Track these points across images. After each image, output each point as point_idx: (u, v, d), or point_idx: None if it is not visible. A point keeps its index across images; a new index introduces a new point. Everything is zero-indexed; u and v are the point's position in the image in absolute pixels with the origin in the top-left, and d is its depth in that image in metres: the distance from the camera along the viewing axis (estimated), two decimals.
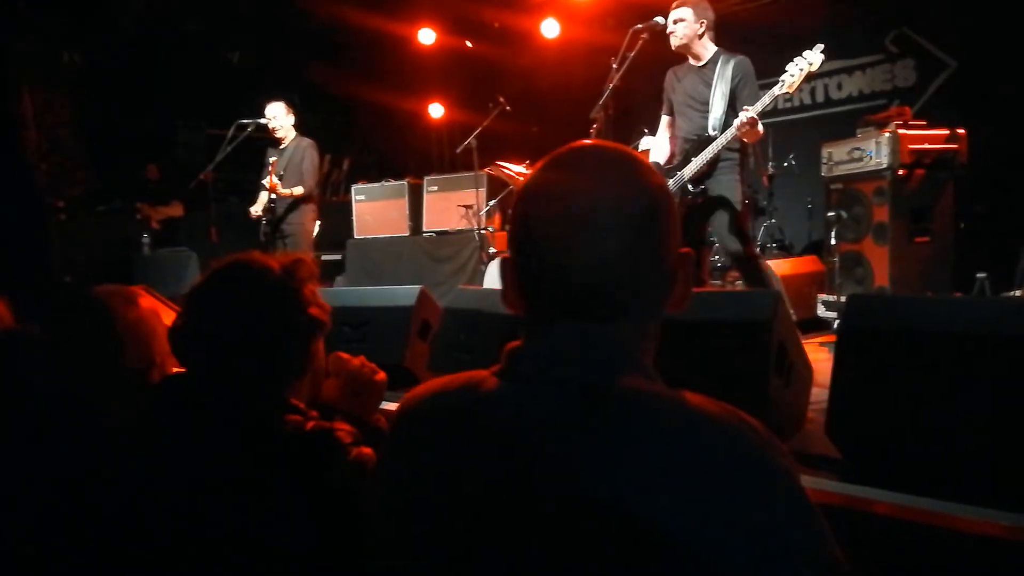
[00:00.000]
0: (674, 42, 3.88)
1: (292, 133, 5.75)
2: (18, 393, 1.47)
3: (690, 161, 3.81)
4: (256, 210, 5.68)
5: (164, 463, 1.18)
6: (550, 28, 7.87)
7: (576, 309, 0.83)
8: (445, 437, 0.85)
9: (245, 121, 5.88)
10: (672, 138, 4.11)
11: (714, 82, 3.77)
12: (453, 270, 7.27)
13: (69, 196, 7.54)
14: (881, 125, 4.95)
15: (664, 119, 4.19)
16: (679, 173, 3.84)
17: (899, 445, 1.94)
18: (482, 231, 6.97)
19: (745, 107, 3.59)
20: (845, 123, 5.82)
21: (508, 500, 0.79)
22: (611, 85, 4.25)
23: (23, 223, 6.94)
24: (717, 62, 3.80)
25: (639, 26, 4.12)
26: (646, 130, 6.57)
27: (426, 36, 8.45)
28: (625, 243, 0.82)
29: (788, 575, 0.72)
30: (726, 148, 3.72)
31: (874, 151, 4.82)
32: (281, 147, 5.74)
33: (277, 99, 5.74)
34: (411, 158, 8.63)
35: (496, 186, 7.09)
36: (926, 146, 4.76)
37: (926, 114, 5.49)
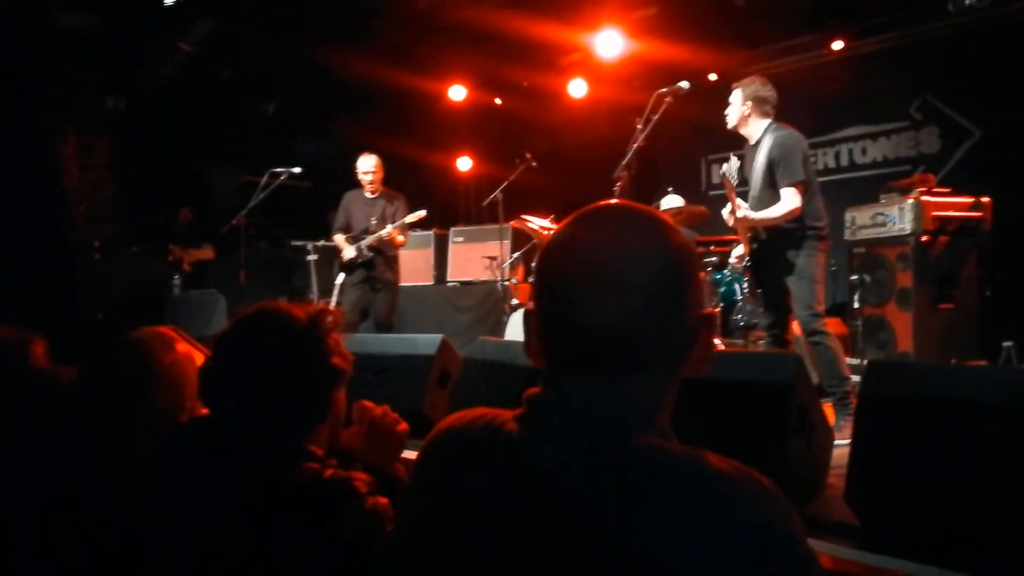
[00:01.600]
0: (728, 125, 3.97)
1: (382, 186, 5.97)
2: (43, 434, 1.51)
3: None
4: (349, 254, 5.85)
5: (182, 503, 1.20)
6: (577, 88, 8.04)
7: (595, 363, 0.84)
8: (465, 472, 0.88)
9: (278, 170, 6.04)
10: None
11: (756, 159, 3.83)
12: (475, 320, 7.31)
13: (104, 236, 7.72)
14: (905, 191, 4.98)
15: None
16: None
17: (918, 513, 1.91)
18: (505, 283, 7.02)
19: (741, 205, 3.72)
20: (869, 188, 5.84)
21: (518, 544, 0.81)
22: (635, 145, 4.31)
23: (59, 262, 7.12)
24: (763, 140, 3.83)
25: (664, 89, 4.20)
26: (670, 188, 6.64)
27: (456, 93, 8.65)
28: (647, 301, 0.83)
29: None
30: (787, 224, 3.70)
31: (897, 217, 4.84)
32: (372, 197, 5.94)
33: (369, 152, 5.97)
34: (438, 209, 8.76)
35: (520, 239, 7.17)
36: (950, 213, 4.77)
37: (951, 181, 5.51)
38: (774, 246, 3.77)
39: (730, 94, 3.93)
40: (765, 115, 3.86)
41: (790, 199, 3.62)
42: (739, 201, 3.76)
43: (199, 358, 1.51)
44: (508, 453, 0.86)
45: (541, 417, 0.87)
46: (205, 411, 1.32)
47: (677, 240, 0.88)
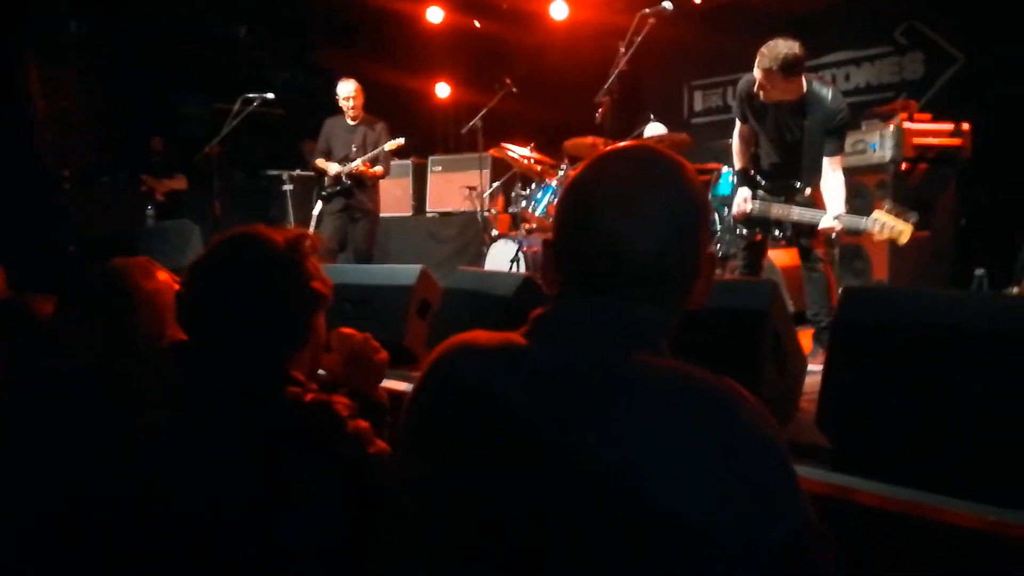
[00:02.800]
0: (764, 98, 3.54)
1: (363, 112, 5.83)
2: (23, 363, 1.51)
3: (774, 203, 3.68)
4: (335, 169, 5.75)
5: (164, 430, 1.21)
6: (559, 10, 7.82)
7: (616, 289, 0.91)
8: (475, 386, 0.93)
9: (251, 96, 5.88)
10: (749, 148, 3.86)
11: (809, 118, 3.50)
12: (455, 251, 7.29)
13: (75, 167, 7.55)
14: (886, 118, 4.95)
15: (739, 126, 3.86)
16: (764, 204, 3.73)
17: (887, 437, 1.96)
18: (485, 213, 6.98)
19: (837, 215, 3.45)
20: (851, 115, 5.81)
21: (520, 450, 0.86)
22: (617, 69, 4.23)
23: (30, 193, 6.97)
24: (810, 96, 3.48)
25: (647, 10, 4.09)
26: (652, 116, 6.56)
27: (434, 15, 8.42)
28: (671, 235, 0.92)
29: (766, 530, 0.78)
30: None
31: (878, 144, 4.83)
32: (352, 124, 5.82)
33: (348, 77, 5.82)
34: (416, 137, 8.62)
35: (500, 168, 7.09)
36: (930, 140, 4.77)
37: (933, 108, 5.48)
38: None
39: (757, 62, 3.42)
40: (801, 72, 3.48)
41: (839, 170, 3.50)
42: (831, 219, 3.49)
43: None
44: (517, 362, 0.91)
45: (550, 330, 0.93)
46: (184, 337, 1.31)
47: (695, 182, 0.97)
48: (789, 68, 3.35)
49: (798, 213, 3.58)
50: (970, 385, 1.81)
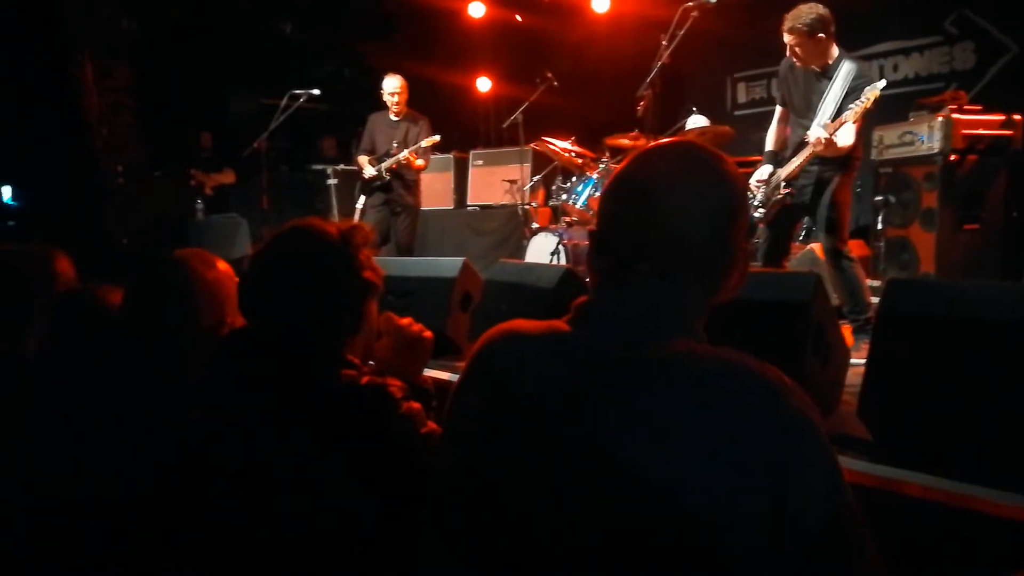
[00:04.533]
0: (805, 63, 3.63)
1: (406, 108, 5.93)
2: (87, 348, 1.58)
3: (789, 162, 3.73)
4: (369, 172, 5.86)
5: (225, 412, 1.27)
6: (600, 3, 7.80)
7: (654, 278, 0.95)
8: (521, 372, 0.97)
9: (298, 92, 5.99)
10: (784, 132, 3.94)
11: (831, 88, 3.57)
12: (495, 243, 7.33)
13: (127, 161, 7.75)
14: (935, 109, 4.86)
15: (779, 110, 3.97)
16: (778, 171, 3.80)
17: (930, 429, 1.95)
18: (525, 206, 7.01)
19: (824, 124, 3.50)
20: (899, 106, 5.70)
21: (563, 434, 0.89)
22: (660, 62, 4.23)
23: (83, 185, 7.18)
24: (839, 68, 3.56)
25: (690, 3, 4.08)
26: (694, 108, 6.52)
27: (476, 9, 8.45)
28: (710, 225, 0.97)
29: (808, 513, 0.80)
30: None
31: (926, 136, 4.74)
32: (395, 120, 5.91)
33: (394, 73, 5.91)
34: (458, 132, 8.68)
35: (541, 161, 7.11)
36: (980, 131, 4.67)
37: (984, 98, 5.35)
38: (819, 175, 3.68)
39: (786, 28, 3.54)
40: (834, 40, 3.59)
41: (852, 134, 3.50)
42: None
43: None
44: (561, 349, 0.96)
45: (591, 317, 0.97)
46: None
47: (734, 173, 1.02)
48: (813, 27, 3.45)
49: (798, 157, 3.62)
50: (1016, 378, 1.79)
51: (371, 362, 1.46)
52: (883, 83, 3.42)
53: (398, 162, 5.75)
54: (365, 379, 1.26)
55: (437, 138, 5.81)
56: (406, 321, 1.58)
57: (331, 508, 1.19)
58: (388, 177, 5.84)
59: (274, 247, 1.35)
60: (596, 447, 0.86)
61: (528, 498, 0.90)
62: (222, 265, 1.60)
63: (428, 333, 1.61)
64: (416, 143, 5.81)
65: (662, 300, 0.95)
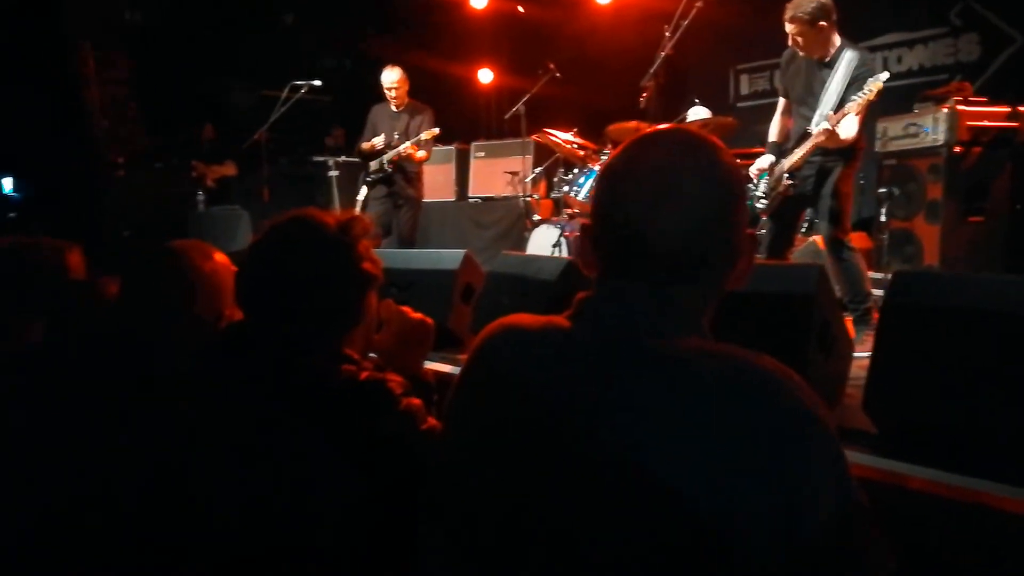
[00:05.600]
0: (805, 53, 3.62)
1: (407, 99, 5.90)
2: (90, 341, 1.57)
3: (792, 153, 3.72)
4: (375, 164, 5.83)
5: (223, 406, 1.26)
6: None
7: (652, 272, 0.92)
8: (520, 368, 0.95)
9: (299, 83, 5.97)
10: (787, 124, 3.93)
11: (832, 78, 3.56)
12: (497, 236, 7.31)
13: (128, 153, 7.74)
14: (940, 100, 4.83)
15: (782, 102, 3.97)
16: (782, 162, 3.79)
17: (936, 422, 1.94)
18: (527, 198, 6.98)
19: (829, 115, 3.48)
20: (903, 98, 5.66)
21: (563, 431, 0.87)
22: (663, 53, 4.20)
23: (84, 178, 7.18)
24: (840, 58, 3.55)
25: None
26: (696, 100, 6.49)
27: (478, 1, 8.41)
28: (705, 217, 0.92)
29: (815, 510, 0.78)
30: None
31: (931, 127, 4.71)
32: (396, 111, 5.88)
33: (393, 65, 5.87)
34: (459, 123, 8.65)
35: (543, 153, 7.09)
36: (985, 123, 4.63)
37: (989, 90, 5.33)
38: (821, 165, 3.66)
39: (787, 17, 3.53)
40: (836, 29, 3.58)
41: (855, 125, 3.48)
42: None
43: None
44: (561, 345, 0.93)
45: (592, 314, 0.94)
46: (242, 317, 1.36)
47: (729, 161, 0.96)
48: (815, 16, 3.44)
49: (801, 148, 3.60)
50: (1022, 371, 1.78)
51: (372, 355, 1.45)
52: (886, 75, 3.40)
53: (399, 154, 5.73)
54: (364, 374, 1.24)
55: (437, 131, 5.78)
56: (406, 309, 1.56)
57: (329, 505, 1.18)
58: (390, 169, 5.81)
59: (271, 239, 1.33)
60: (599, 444, 0.84)
61: (529, 495, 0.88)
62: (220, 257, 1.58)
63: (429, 320, 1.60)
64: (417, 135, 5.78)
65: (665, 296, 0.92)
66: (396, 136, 5.80)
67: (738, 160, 4.14)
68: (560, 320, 0.97)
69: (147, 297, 1.54)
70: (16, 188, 7.86)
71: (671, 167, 0.93)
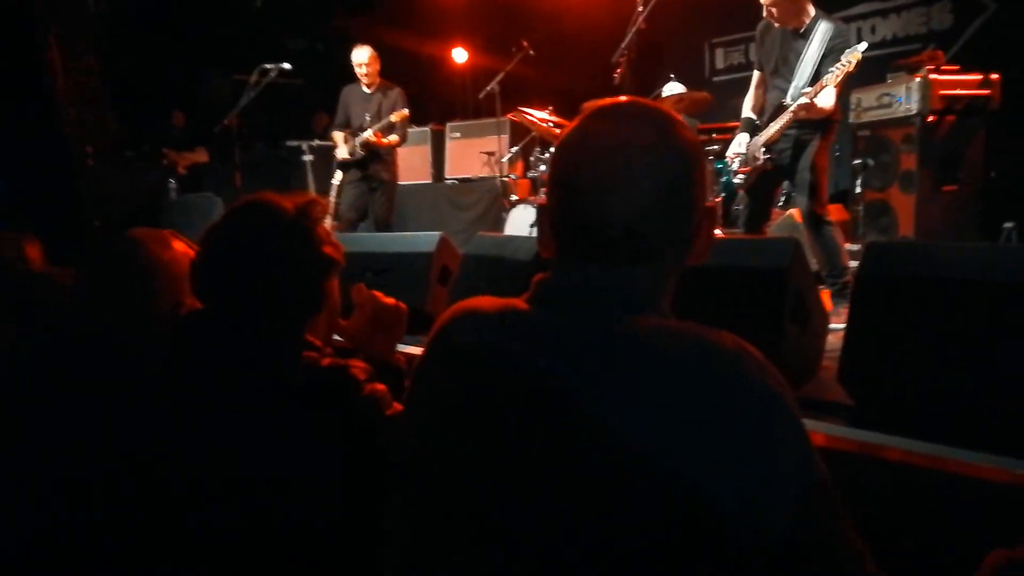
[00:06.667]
0: (780, 23, 3.62)
1: (379, 79, 5.78)
2: (49, 333, 1.53)
3: (767, 127, 3.70)
4: (342, 153, 5.75)
5: (183, 397, 1.23)
6: None
7: (608, 252, 0.90)
8: (479, 353, 0.92)
9: (268, 66, 5.86)
10: (761, 97, 3.92)
11: (807, 50, 3.55)
12: (474, 217, 7.28)
13: (97, 142, 7.61)
14: (912, 70, 4.83)
15: (756, 76, 3.96)
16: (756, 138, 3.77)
17: (910, 392, 1.94)
18: (504, 178, 6.94)
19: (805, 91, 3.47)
20: (877, 68, 5.66)
21: (523, 414, 0.86)
22: (635, 28, 4.16)
23: (53, 169, 7.05)
24: (815, 29, 3.55)
25: None
26: (672, 75, 6.46)
27: None
28: (659, 194, 0.89)
29: (777, 490, 0.77)
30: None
31: (904, 97, 4.71)
32: (368, 92, 5.77)
33: (363, 44, 5.76)
34: (434, 104, 8.57)
35: (519, 132, 7.04)
36: (958, 92, 4.64)
37: (961, 58, 5.34)
38: (797, 138, 3.66)
39: None
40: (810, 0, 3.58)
41: (832, 97, 3.47)
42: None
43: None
44: (519, 327, 0.91)
45: (550, 296, 0.92)
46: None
47: (685, 135, 0.93)
48: None
49: (777, 122, 3.59)
50: (997, 338, 1.78)
51: (336, 337, 1.42)
52: (864, 46, 3.39)
53: (366, 141, 5.64)
54: (326, 361, 1.21)
55: (406, 112, 5.69)
56: (377, 294, 1.54)
57: (294, 493, 1.16)
58: (363, 153, 5.74)
59: (226, 224, 1.29)
60: (562, 427, 0.83)
61: (494, 479, 0.86)
62: (178, 245, 1.54)
63: (402, 305, 1.57)
64: (389, 114, 5.69)
65: (622, 277, 0.90)
66: (367, 118, 5.72)
67: (715, 135, 4.15)
68: (518, 303, 0.95)
69: (102, 288, 1.50)
70: None
71: (625, 144, 0.90)
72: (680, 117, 0.96)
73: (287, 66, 5.82)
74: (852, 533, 0.80)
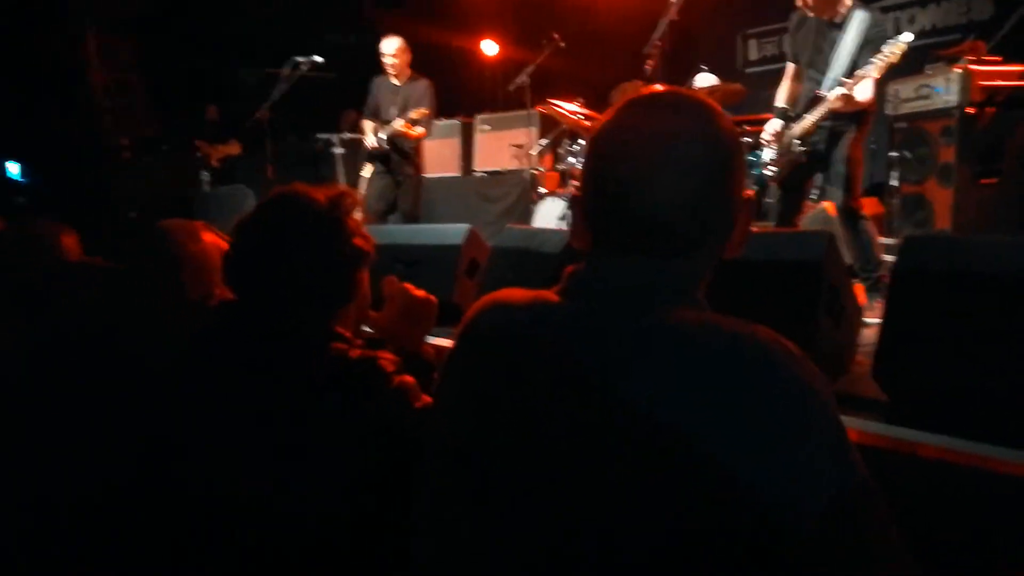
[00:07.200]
0: (816, 12, 3.54)
1: (408, 71, 5.77)
2: (81, 321, 1.56)
3: (801, 118, 3.64)
4: (371, 142, 5.75)
5: (213, 387, 1.24)
6: None
7: (646, 244, 0.88)
8: (510, 344, 0.92)
9: (300, 59, 5.89)
10: (795, 89, 3.85)
11: (842, 40, 3.48)
12: (503, 210, 7.26)
13: (132, 136, 7.74)
14: (952, 61, 4.72)
15: (790, 68, 3.89)
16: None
17: (946, 389, 1.91)
18: (533, 171, 6.92)
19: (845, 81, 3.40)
20: (915, 59, 5.54)
21: (557, 408, 0.85)
22: (668, 19, 4.12)
23: (90, 162, 7.19)
24: (851, 19, 3.47)
25: None
26: (703, 66, 6.39)
27: None
28: (698, 186, 0.87)
29: (813, 485, 0.75)
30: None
31: (943, 88, 4.61)
32: (396, 84, 5.78)
33: (393, 35, 5.73)
34: (463, 96, 8.57)
35: (548, 125, 7.01)
36: (999, 83, 4.53)
37: (1003, 49, 5.20)
38: (832, 129, 3.59)
39: None
40: None
41: (871, 89, 3.41)
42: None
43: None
44: (551, 317, 0.90)
45: (584, 287, 0.91)
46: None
47: (725, 125, 0.91)
48: None
49: (813, 114, 3.52)
50: None
51: (366, 328, 1.42)
52: (910, 36, 3.29)
53: (395, 132, 5.65)
54: (356, 352, 1.22)
55: (425, 111, 5.61)
56: (407, 286, 1.54)
57: (321, 485, 1.16)
58: (388, 147, 5.74)
59: (257, 216, 1.30)
60: (597, 414, 0.82)
61: (528, 469, 0.86)
62: (208, 236, 1.56)
63: (432, 298, 1.58)
64: (416, 107, 5.67)
65: (659, 269, 0.88)
66: (393, 111, 5.72)
67: (747, 127, 4.08)
68: (549, 295, 0.94)
69: (133, 279, 1.53)
70: (24, 173, 7.88)
71: (665, 133, 0.88)
72: (719, 107, 0.94)
73: (319, 59, 5.84)
74: (896, 545, 0.78)
